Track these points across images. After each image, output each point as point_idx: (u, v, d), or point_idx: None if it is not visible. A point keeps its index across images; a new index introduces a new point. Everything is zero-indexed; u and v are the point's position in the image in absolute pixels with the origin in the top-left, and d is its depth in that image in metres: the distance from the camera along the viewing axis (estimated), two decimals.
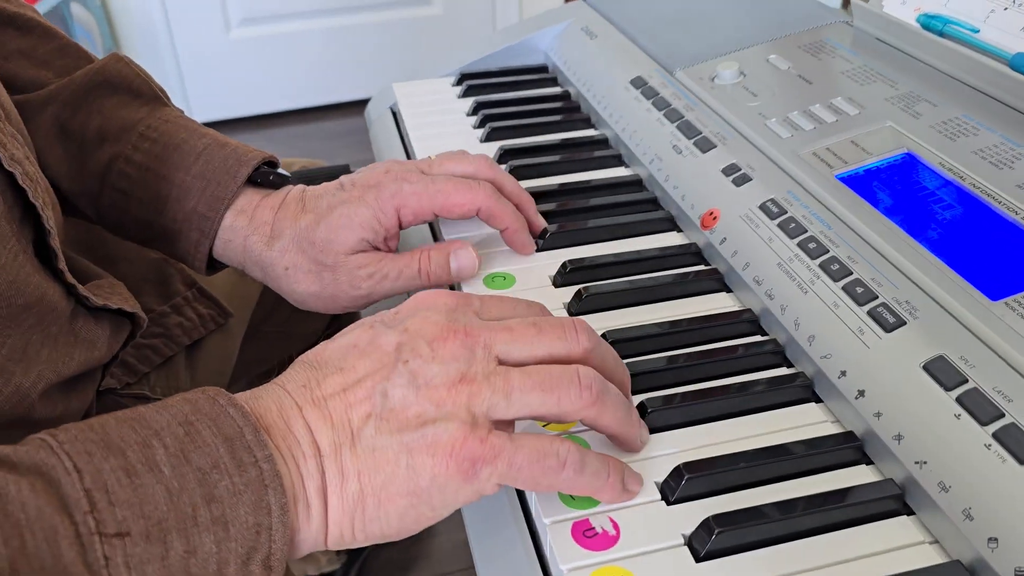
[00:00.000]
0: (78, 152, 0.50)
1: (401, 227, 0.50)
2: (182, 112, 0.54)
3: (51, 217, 0.40)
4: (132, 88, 0.52)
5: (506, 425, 0.36)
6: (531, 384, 0.34)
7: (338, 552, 1.02)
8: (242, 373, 0.75)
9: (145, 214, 0.50)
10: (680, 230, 0.55)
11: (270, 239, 0.49)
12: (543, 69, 0.78)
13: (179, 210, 0.49)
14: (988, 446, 0.33)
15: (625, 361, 0.41)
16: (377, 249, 0.49)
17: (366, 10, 2.32)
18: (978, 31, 0.56)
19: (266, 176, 0.51)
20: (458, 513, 0.38)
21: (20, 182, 0.38)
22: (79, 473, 0.28)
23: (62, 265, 0.41)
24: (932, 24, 0.58)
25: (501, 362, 0.35)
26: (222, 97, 2.32)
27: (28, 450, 0.28)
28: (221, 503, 0.30)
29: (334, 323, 0.82)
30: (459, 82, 0.76)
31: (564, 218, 0.55)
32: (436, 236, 0.57)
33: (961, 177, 0.46)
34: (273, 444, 0.32)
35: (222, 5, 2.19)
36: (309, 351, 0.37)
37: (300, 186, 0.52)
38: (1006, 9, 0.55)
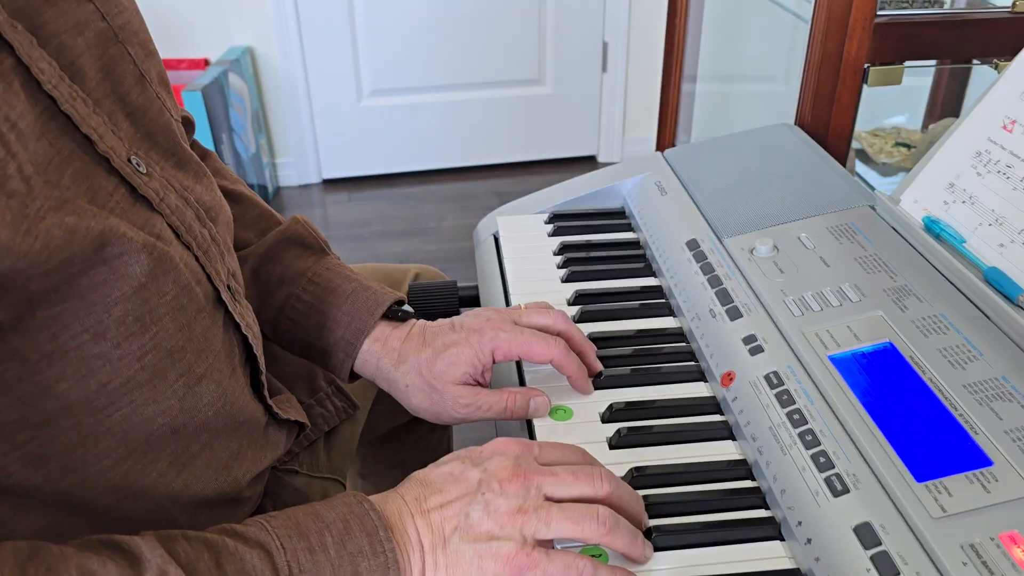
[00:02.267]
0: (265, 292, 0.69)
1: (494, 363, 0.66)
2: (339, 259, 0.73)
3: (263, 360, 0.59)
4: (305, 243, 0.71)
5: (547, 543, 0.52)
6: (564, 517, 0.51)
7: None
8: (361, 440, 0.93)
9: (307, 338, 0.69)
10: (706, 381, 0.69)
11: (397, 363, 0.66)
12: (621, 213, 0.95)
13: (331, 337, 0.68)
14: None
15: (643, 492, 0.56)
16: (477, 382, 0.66)
17: (484, 87, 2.53)
18: (965, 241, 0.69)
19: (395, 313, 0.69)
20: None
21: (251, 341, 0.57)
22: (284, 550, 0.46)
23: (266, 392, 0.59)
24: (931, 227, 0.71)
25: (547, 498, 0.51)
26: (350, 157, 2.57)
27: (253, 530, 0.47)
28: None
29: None
30: (551, 220, 0.93)
31: (618, 361, 0.71)
32: (519, 365, 0.73)
33: (923, 371, 0.60)
34: (395, 539, 0.49)
35: (356, 77, 2.44)
36: (419, 472, 0.54)
37: (422, 322, 0.69)
38: (990, 225, 0.68)
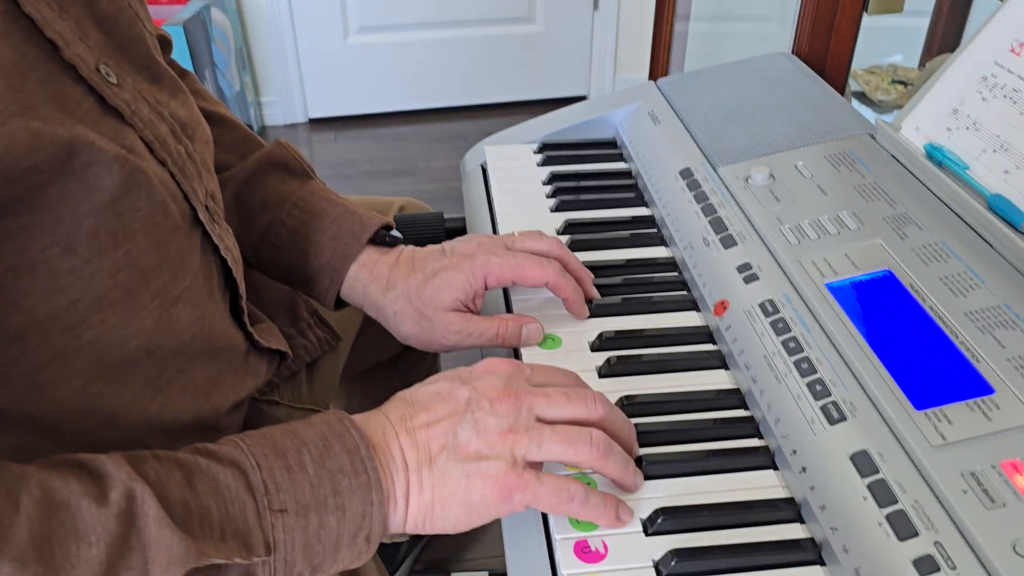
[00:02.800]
0: (246, 217, 0.67)
1: (486, 289, 0.64)
2: (323, 184, 0.70)
3: (243, 284, 0.56)
4: (289, 167, 0.68)
5: (537, 465, 0.50)
6: (556, 439, 0.49)
7: None
8: (343, 375, 0.91)
9: (291, 264, 0.66)
10: (699, 311, 0.67)
11: (385, 289, 0.64)
12: (612, 143, 0.92)
13: (316, 263, 0.65)
14: (880, 524, 0.46)
15: (635, 420, 0.55)
16: (467, 308, 0.64)
17: (473, 24, 2.47)
18: (968, 168, 0.66)
19: (382, 238, 0.66)
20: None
21: (230, 264, 0.54)
22: (259, 468, 0.44)
23: (247, 318, 0.57)
24: (933, 154, 0.69)
25: (539, 419, 0.49)
26: (337, 96, 2.52)
27: (227, 448, 0.45)
28: (343, 496, 0.45)
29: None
30: (540, 150, 0.90)
31: (608, 290, 0.69)
32: (507, 295, 0.71)
33: (923, 299, 0.58)
34: (377, 458, 0.47)
35: (342, 13, 2.38)
36: (404, 391, 0.52)
37: (410, 248, 0.66)
38: (994, 151, 0.65)
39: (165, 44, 0.68)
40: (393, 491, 0.47)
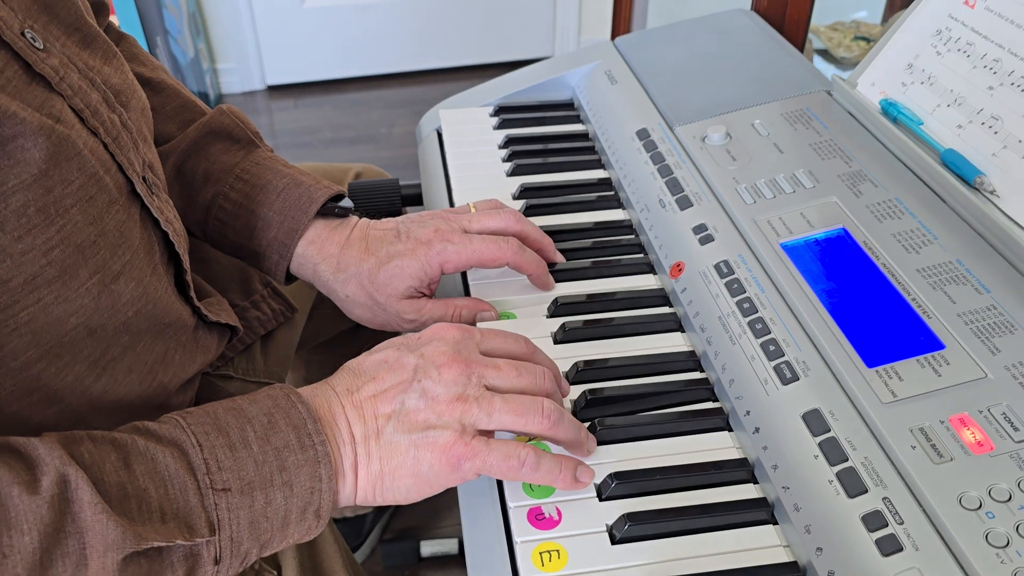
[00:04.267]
0: (189, 190, 0.64)
1: (442, 274, 0.62)
2: (271, 151, 0.67)
3: (187, 258, 0.55)
4: (232, 136, 0.66)
5: (487, 433, 0.49)
6: (507, 409, 0.48)
7: None
8: (301, 346, 0.90)
9: (238, 239, 0.64)
10: (655, 273, 0.67)
11: (336, 271, 0.62)
12: (570, 105, 0.90)
13: (263, 238, 0.63)
14: (830, 481, 0.46)
15: (590, 385, 0.54)
16: (422, 293, 0.62)
17: None
18: (922, 123, 0.66)
19: (331, 210, 0.64)
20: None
21: (171, 238, 0.52)
22: (200, 447, 0.42)
23: (193, 293, 0.55)
24: (889, 110, 0.68)
25: (488, 389, 0.49)
26: (295, 62, 2.46)
27: (167, 428, 0.43)
28: (289, 472, 0.44)
29: None
30: (496, 113, 0.88)
31: (565, 255, 0.68)
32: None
33: (876, 256, 0.58)
34: (324, 432, 0.46)
35: None
36: (352, 360, 0.51)
37: (363, 222, 0.64)
38: (948, 106, 0.65)
39: (100, 7, 0.65)
40: (341, 464, 0.46)
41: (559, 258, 0.67)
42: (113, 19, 1.18)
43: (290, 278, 0.65)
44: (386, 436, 0.47)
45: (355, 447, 0.47)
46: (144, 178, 0.51)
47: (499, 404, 0.48)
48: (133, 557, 0.40)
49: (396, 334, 0.57)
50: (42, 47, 0.45)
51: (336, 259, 0.62)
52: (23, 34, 0.44)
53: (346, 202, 0.65)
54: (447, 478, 0.47)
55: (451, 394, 0.48)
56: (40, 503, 0.37)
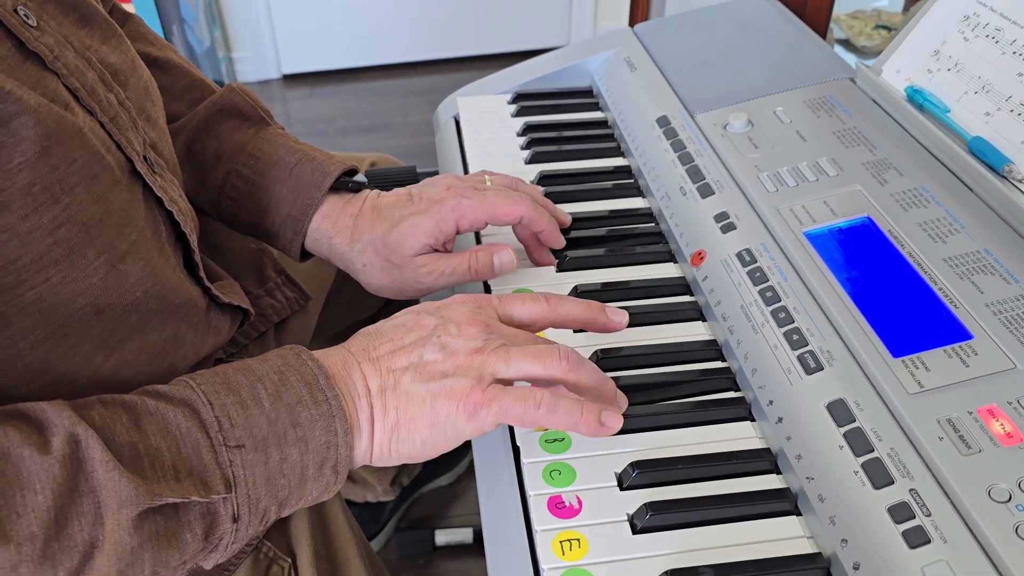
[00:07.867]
0: (201, 170, 0.64)
1: (458, 233, 0.62)
2: (283, 128, 0.67)
3: (194, 238, 0.54)
4: (243, 113, 0.65)
5: (506, 383, 0.48)
6: (525, 353, 0.48)
7: (392, 484, 1.19)
8: (316, 336, 0.89)
9: (252, 218, 0.64)
10: (676, 262, 0.66)
11: (351, 241, 0.62)
12: (588, 92, 0.89)
13: (277, 215, 0.63)
14: (856, 472, 0.45)
15: (612, 374, 0.54)
16: (436, 251, 0.62)
17: None
18: (949, 111, 0.65)
19: (345, 184, 0.64)
20: None
21: (176, 217, 0.52)
22: (211, 405, 0.42)
23: (202, 274, 0.55)
24: (914, 97, 0.67)
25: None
26: (311, 50, 2.46)
27: (177, 389, 0.43)
28: (303, 427, 0.44)
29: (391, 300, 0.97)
30: (514, 100, 0.88)
31: (584, 243, 0.67)
32: (478, 238, 0.70)
33: (902, 245, 0.57)
34: (338, 387, 0.46)
35: None
36: (369, 326, 0.51)
37: (375, 193, 0.64)
38: (975, 93, 0.64)
39: None
40: (357, 419, 0.46)
41: (561, 242, 0.66)
42: (129, 7, 1.18)
43: (305, 255, 0.65)
44: (403, 386, 0.47)
45: (371, 399, 0.47)
46: (145, 157, 0.51)
47: (516, 351, 0.48)
48: (149, 515, 0.40)
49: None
50: (35, 24, 0.45)
51: (350, 230, 0.62)
52: (16, 11, 0.44)
53: (359, 177, 0.65)
54: (463, 427, 0.47)
55: (470, 347, 0.48)
56: (52, 462, 0.37)
